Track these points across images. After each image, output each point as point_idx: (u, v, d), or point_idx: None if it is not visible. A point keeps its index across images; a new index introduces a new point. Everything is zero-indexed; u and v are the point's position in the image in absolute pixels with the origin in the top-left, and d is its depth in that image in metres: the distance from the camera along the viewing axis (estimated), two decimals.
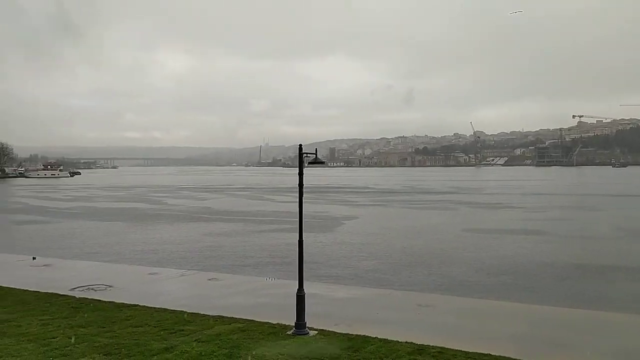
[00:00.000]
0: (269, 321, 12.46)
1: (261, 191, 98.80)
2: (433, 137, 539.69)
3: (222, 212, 55.85)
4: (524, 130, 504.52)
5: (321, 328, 11.87)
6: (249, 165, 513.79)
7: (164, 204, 70.23)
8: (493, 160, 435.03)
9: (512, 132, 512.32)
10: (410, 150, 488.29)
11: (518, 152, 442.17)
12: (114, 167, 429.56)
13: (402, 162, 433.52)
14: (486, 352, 10.13)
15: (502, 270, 24.29)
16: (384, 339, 10.94)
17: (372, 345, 10.60)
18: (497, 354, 10.04)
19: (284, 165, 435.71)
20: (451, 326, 12.46)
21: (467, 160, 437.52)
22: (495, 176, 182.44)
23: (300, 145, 12.51)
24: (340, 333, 11.52)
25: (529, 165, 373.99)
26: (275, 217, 49.83)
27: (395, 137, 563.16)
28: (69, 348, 10.28)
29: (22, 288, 16.56)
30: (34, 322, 12.37)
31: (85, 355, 9.80)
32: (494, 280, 22.34)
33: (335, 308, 14.27)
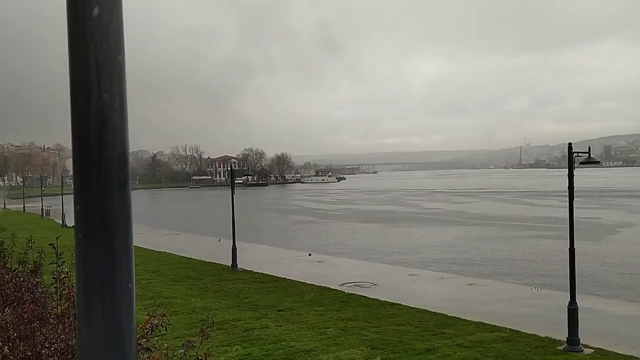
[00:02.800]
0: (536, 333, 11.68)
1: (520, 195, 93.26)
2: None
3: (478, 216, 54.41)
4: None
5: (598, 347, 10.64)
6: (508, 168, 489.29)
7: (419, 207, 71.68)
8: None
9: None
10: None
11: None
12: (375, 172, 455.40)
13: None
14: None
15: None
16: None
17: None
18: None
19: (548, 166, 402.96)
20: None
21: None
22: None
23: (570, 144, 11.45)
24: (622, 355, 10.16)
25: None
26: (536, 223, 46.48)
27: None
28: (340, 338, 11.25)
29: (301, 280, 18.73)
30: (311, 312, 13.86)
31: (355, 347, 10.58)
32: None
33: (615, 326, 12.63)
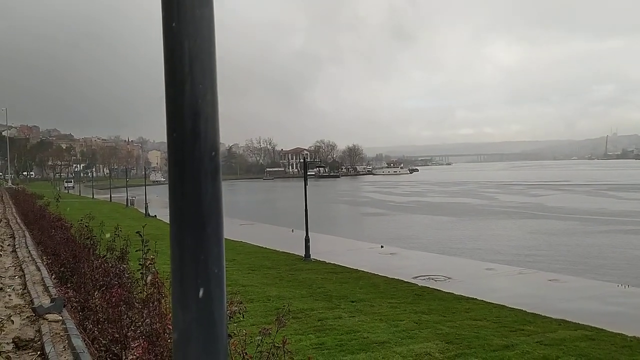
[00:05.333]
0: (623, 332, 11.06)
1: (605, 187, 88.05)
2: None
3: (557, 210, 51.96)
4: None
5: None
6: (593, 159, 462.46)
7: (494, 199, 69.43)
8: None
9: None
10: None
11: None
12: (448, 164, 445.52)
13: None
14: None
15: None
16: None
17: None
18: None
19: (637, 157, 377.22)
20: None
21: None
22: None
23: None
24: None
25: None
26: (620, 217, 43.73)
27: None
28: (414, 331, 11.13)
29: (373, 272, 18.69)
30: (384, 304, 13.81)
31: (429, 341, 10.43)
32: None
33: None
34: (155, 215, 40.99)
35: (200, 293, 1.08)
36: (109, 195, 70.52)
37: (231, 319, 5.34)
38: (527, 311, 12.95)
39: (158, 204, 51.26)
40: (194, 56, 1.04)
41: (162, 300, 5.80)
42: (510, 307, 13.40)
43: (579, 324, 11.84)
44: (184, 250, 1.07)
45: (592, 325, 11.63)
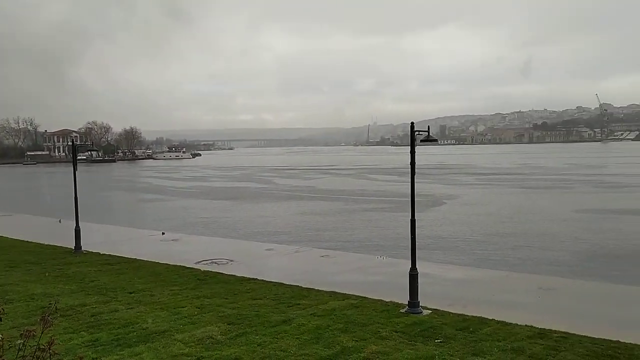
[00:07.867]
0: (382, 299, 12.57)
1: (365, 171, 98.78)
2: (553, 111, 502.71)
3: (327, 192, 56.70)
4: None
5: (435, 308, 11.77)
6: (357, 145, 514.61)
7: (273, 183, 72.68)
8: (622, 134, 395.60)
9: None
10: (527, 125, 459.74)
11: None
12: (230, 149, 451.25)
13: (519, 139, 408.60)
14: (615, 339, 9.47)
15: (618, 253, 22.48)
16: (502, 322, 10.61)
17: (489, 327, 10.33)
18: (628, 342, 9.35)
19: (393, 144, 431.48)
20: (575, 311, 11.77)
21: (592, 135, 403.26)
22: (624, 152, 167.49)
23: (412, 123, 12.34)
24: (455, 313, 11.35)
25: None
26: (378, 197, 49.77)
27: (511, 112, 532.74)
28: (197, 317, 11.10)
29: (154, 260, 18.06)
30: (165, 292, 13.46)
31: (212, 324, 10.51)
32: (612, 264, 20.72)
33: (449, 288, 14.05)
34: None
35: None
36: None
37: None
38: (303, 286, 13.90)
39: None
40: None
41: None
42: (288, 284, 14.22)
43: (346, 294, 13.11)
44: None
45: (357, 295, 12.99)
